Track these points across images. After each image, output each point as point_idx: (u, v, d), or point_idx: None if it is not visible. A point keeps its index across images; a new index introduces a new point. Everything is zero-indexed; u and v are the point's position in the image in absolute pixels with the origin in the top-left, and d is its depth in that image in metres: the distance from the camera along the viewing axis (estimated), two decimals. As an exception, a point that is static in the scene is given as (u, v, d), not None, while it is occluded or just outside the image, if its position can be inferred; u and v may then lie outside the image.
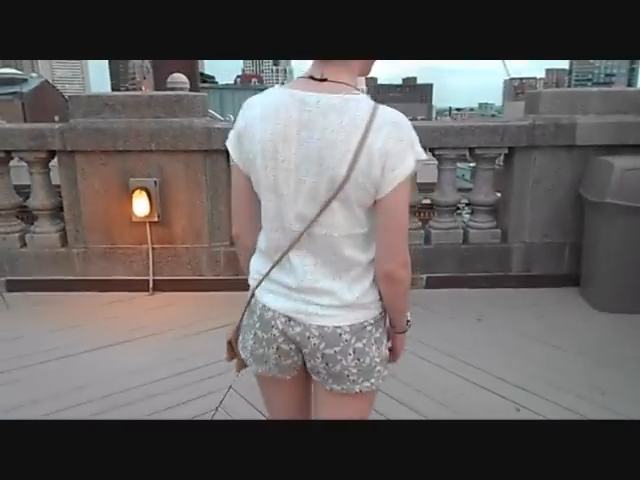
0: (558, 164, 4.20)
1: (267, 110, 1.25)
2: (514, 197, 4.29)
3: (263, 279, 1.38)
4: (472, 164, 4.50)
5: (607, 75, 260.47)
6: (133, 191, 4.09)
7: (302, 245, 1.29)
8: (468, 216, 4.75)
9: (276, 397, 1.54)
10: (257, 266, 1.42)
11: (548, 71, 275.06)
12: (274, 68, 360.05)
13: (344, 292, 1.30)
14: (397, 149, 1.18)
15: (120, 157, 4.11)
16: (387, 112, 1.20)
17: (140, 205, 4.12)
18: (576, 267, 4.30)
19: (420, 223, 4.35)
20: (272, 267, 1.35)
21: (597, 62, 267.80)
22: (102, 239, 4.30)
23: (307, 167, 1.21)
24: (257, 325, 1.39)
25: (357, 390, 1.35)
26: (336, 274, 1.30)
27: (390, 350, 1.44)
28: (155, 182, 4.12)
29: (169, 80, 13.36)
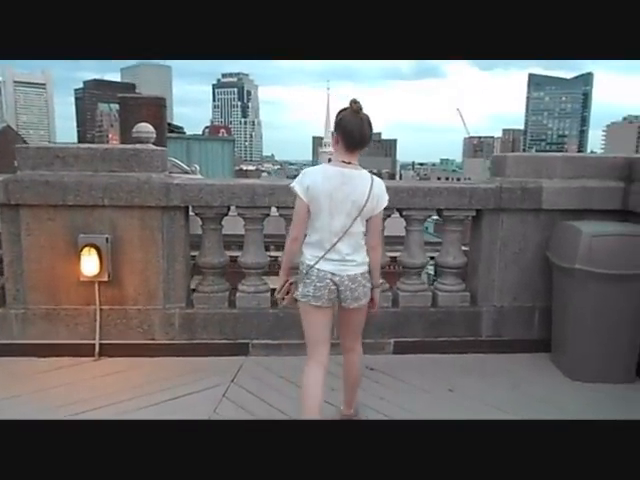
0: (525, 227, 4.16)
1: (327, 174, 2.61)
2: (483, 259, 4.20)
3: (321, 257, 2.63)
4: (435, 217, 4.41)
5: (559, 136, 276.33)
6: (82, 248, 3.80)
7: (342, 239, 2.61)
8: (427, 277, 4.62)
9: (320, 318, 2.73)
10: (311, 252, 2.67)
11: (505, 131, 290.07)
12: (242, 120, 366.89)
13: (359, 258, 2.68)
14: (381, 194, 2.66)
15: (69, 212, 3.83)
16: (376, 178, 2.69)
17: (89, 263, 3.82)
18: (546, 332, 4.19)
19: (388, 285, 4.19)
20: (327, 251, 2.62)
21: (550, 123, 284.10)
22: (45, 299, 3.95)
23: (346, 201, 2.58)
24: (315, 280, 2.64)
25: (363, 304, 2.75)
26: (356, 250, 2.67)
27: (371, 301, 2.82)
28: (107, 239, 3.85)
29: (134, 130, 13.17)
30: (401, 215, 4.16)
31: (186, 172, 14.04)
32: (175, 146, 21.43)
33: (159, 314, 4.04)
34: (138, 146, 3.98)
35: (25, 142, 39.55)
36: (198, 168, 16.61)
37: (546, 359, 4.12)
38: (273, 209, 4.06)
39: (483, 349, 4.20)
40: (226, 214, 4.09)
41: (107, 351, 3.98)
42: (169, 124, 27.71)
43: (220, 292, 4.12)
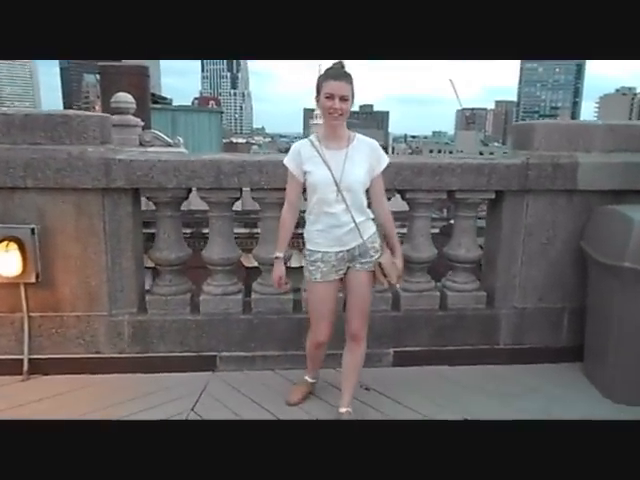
0: (556, 212, 3.38)
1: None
2: (502, 252, 3.43)
3: None
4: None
5: (552, 108, 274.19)
6: None
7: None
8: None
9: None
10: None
11: (498, 103, 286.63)
12: (232, 91, 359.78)
13: None
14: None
15: (-19, 196, 3.00)
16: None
17: (10, 261, 3.00)
18: (577, 337, 3.47)
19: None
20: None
21: (543, 95, 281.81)
22: (-43, 306, 3.15)
23: None
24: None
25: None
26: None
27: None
28: (32, 230, 3.03)
29: (112, 100, 12.24)
30: (403, 198, 3.37)
31: (169, 145, 13.17)
32: (160, 118, 20.45)
33: (104, 322, 3.25)
34: (69, 112, 3.13)
35: (3, 113, 37.91)
36: (182, 140, 15.66)
37: (577, 371, 3.42)
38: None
39: (501, 360, 3.48)
40: (186, 198, 3.28)
41: (39, 368, 3.20)
42: (153, 94, 26.46)
43: (180, 294, 3.33)
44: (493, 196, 3.38)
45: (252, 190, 3.21)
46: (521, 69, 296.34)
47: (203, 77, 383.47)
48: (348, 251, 2.54)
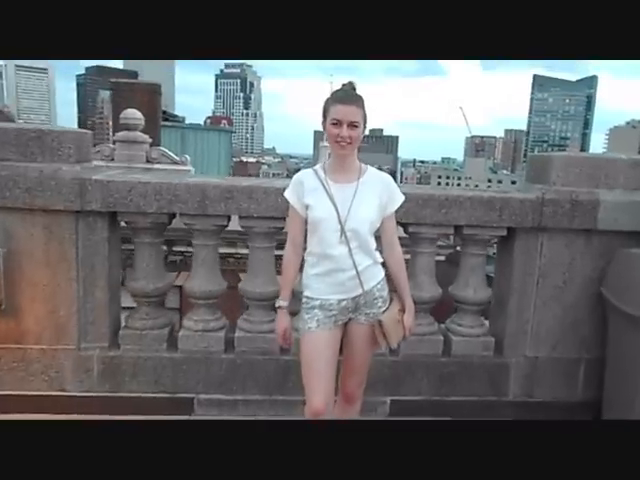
0: (573, 253, 3.08)
1: None
2: (513, 295, 3.12)
3: None
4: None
5: (562, 138, 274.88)
6: (-40, 266, 2.72)
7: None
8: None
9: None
10: None
11: (507, 131, 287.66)
12: (244, 111, 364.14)
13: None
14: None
15: (-58, 215, 2.75)
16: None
17: (-31, 287, 2.73)
18: (594, 391, 3.13)
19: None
20: None
21: (553, 125, 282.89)
22: None
23: None
24: None
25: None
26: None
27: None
28: (-3, 253, 2.76)
29: (122, 116, 12.18)
30: (406, 232, 3.08)
31: (175, 163, 13.06)
32: (170, 135, 20.49)
33: (71, 357, 2.96)
34: (43, 127, 2.88)
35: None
36: (189, 159, 15.58)
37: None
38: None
39: (509, 413, 3.14)
40: (168, 224, 3.01)
41: (-2, 405, 2.90)
42: (164, 112, 26.64)
43: (157, 328, 3.03)
44: (504, 233, 3.08)
45: (240, 218, 2.93)
46: (531, 99, 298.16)
47: (216, 97, 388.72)
48: (353, 299, 2.15)
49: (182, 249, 7.77)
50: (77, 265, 2.88)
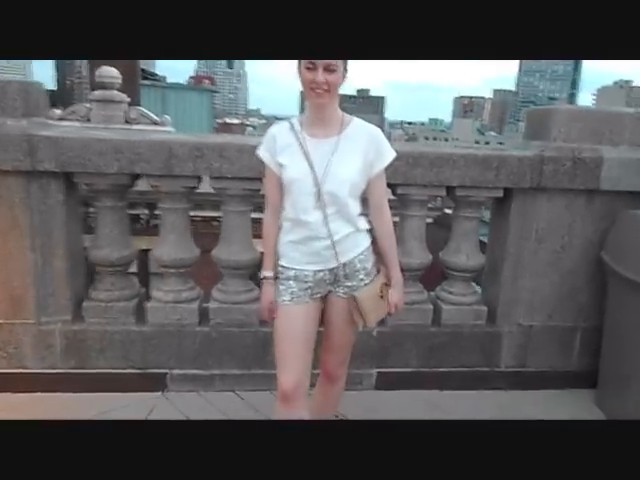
0: (573, 216, 2.87)
1: None
2: (508, 260, 2.92)
3: None
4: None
5: (549, 98, 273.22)
6: None
7: None
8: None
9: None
10: None
11: (496, 92, 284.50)
12: (227, 70, 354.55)
13: None
14: None
15: None
16: None
17: None
18: (590, 361, 3.00)
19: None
20: None
21: (541, 85, 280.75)
22: None
23: None
24: None
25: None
26: None
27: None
28: (-62, 220, 2.47)
29: (97, 74, 11.50)
30: (394, 194, 2.83)
31: (155, 123, 12.53)
32: (149, 95, 19.73)
33: (31, 331, 2.71)
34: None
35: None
36: (169, 119, 15.00)
37: (587, 400, 2.94)
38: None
39: (502, 384, 3.00)
40: (131, 186, 2.72)
41: (-49, 385, 2.67)
42: (143, 70, 25.58)
43: (123, 300, 2.79)
44: (501, 194, 2.85)
45: (212, 179, 2.66)
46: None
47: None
48: (331, 270, 1.91)
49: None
50: (31, 232, 2.60)
